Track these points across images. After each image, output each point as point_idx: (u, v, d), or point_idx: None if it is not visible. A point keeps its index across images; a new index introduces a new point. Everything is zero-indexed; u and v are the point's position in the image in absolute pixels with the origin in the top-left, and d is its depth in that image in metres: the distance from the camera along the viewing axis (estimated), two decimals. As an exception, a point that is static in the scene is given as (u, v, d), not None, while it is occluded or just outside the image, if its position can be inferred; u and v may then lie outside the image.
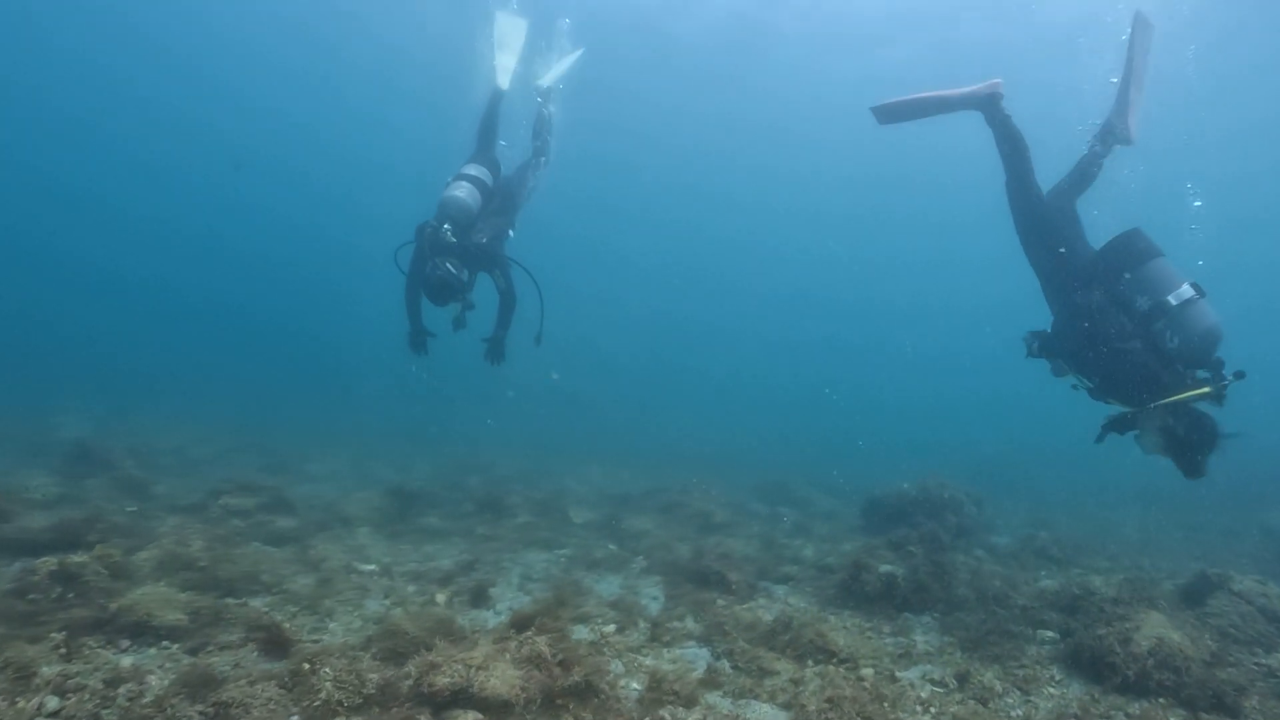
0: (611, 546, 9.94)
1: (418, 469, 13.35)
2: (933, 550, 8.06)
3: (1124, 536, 10.68)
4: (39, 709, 4.28)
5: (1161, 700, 5.55)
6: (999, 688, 5.77)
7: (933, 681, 5.87)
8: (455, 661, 5.17)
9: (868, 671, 5.93)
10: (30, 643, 5.11)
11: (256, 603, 6.88)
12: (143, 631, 5.64)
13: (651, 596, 7.91)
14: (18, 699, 4.37)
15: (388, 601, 7.33)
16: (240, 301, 46.05)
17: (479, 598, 7.47)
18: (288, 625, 6.40)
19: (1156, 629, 5.88)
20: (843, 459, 18.37)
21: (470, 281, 8.33)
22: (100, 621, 5.59)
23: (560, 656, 5.29)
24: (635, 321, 52.11)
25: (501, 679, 5.02)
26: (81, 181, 42.43)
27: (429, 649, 5.41)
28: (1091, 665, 5.95)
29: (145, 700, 4.51)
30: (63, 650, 5.08)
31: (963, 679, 5.85)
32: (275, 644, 5.70)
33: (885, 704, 5.27)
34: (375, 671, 5.24)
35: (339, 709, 4.70)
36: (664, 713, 5.11)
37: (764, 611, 7.42)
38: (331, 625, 6.63)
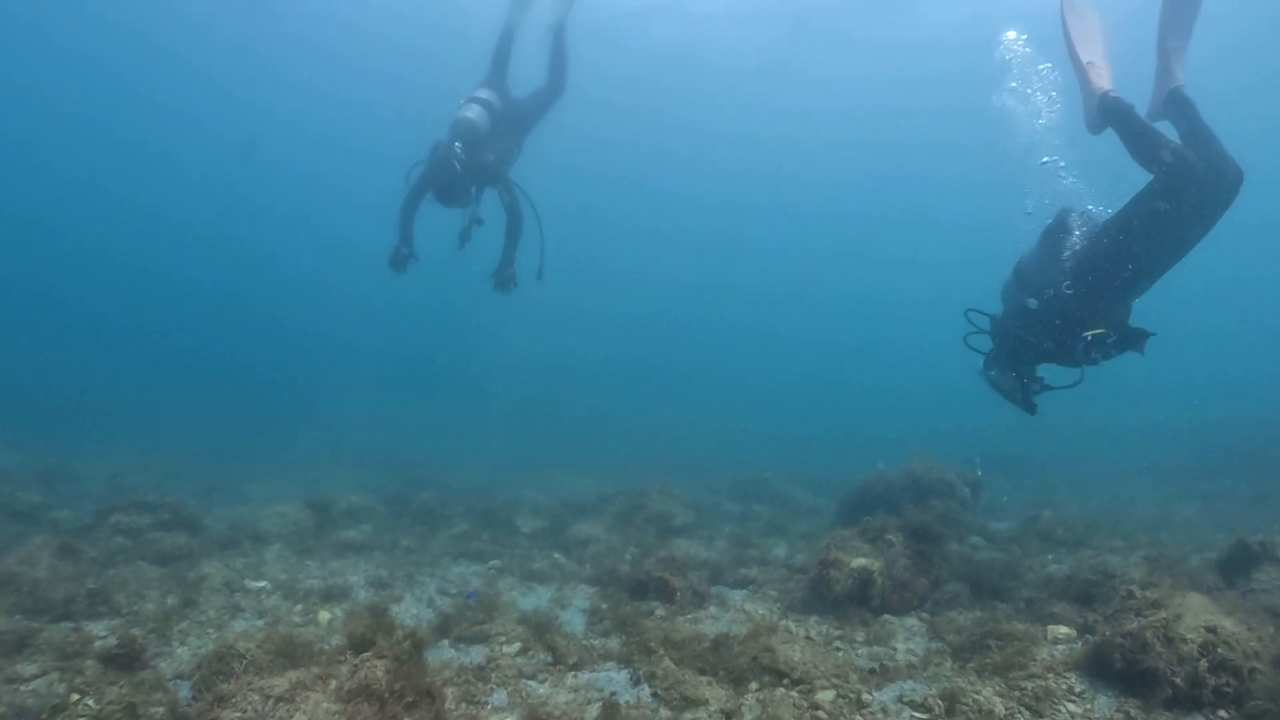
0: (556, 555, 8.39)
1: (367, 486, 11.84)
2: (916, 538, 6.44)
3: (1137, 512, 8.99)
4: None
5: (1223, 715, 3.94)
6: (1001, 709, 4.14)
7: (913, 705, 4.26)
8: (251, 691, 3.67)
9: (825, 696, 4.33)
10: None
11: (95, 626, 5.49)
12: None
13: (579, 609, 6.35)
14: None
15: (260, 622, 5.86)
16: (204, 334, 44.68)
17: (375, 617, 5.96)
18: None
19: (1203, 616, 4.25)
20: (832, 453, 16.80)
21: (478, 194, 8.41)
22: None
23: (403, 687, 3.77)
24: (617, 325, 50.59)
25: (310, 716, 3.50)
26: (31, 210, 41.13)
27: (237, 668, 3.97)
28: (1124, 672, 4.32)
29: None
30: None
31: (952, 700, 4.24)
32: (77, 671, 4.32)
33: (846, 740, 3.70)
34: (166, 704, 3.78)
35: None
36: (538, 763, 3.56)
37: (710, 623, 5.83)
38: (179, 650, 5.23)
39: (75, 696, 3.63)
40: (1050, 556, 7.45)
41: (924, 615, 5.97)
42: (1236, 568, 6.03)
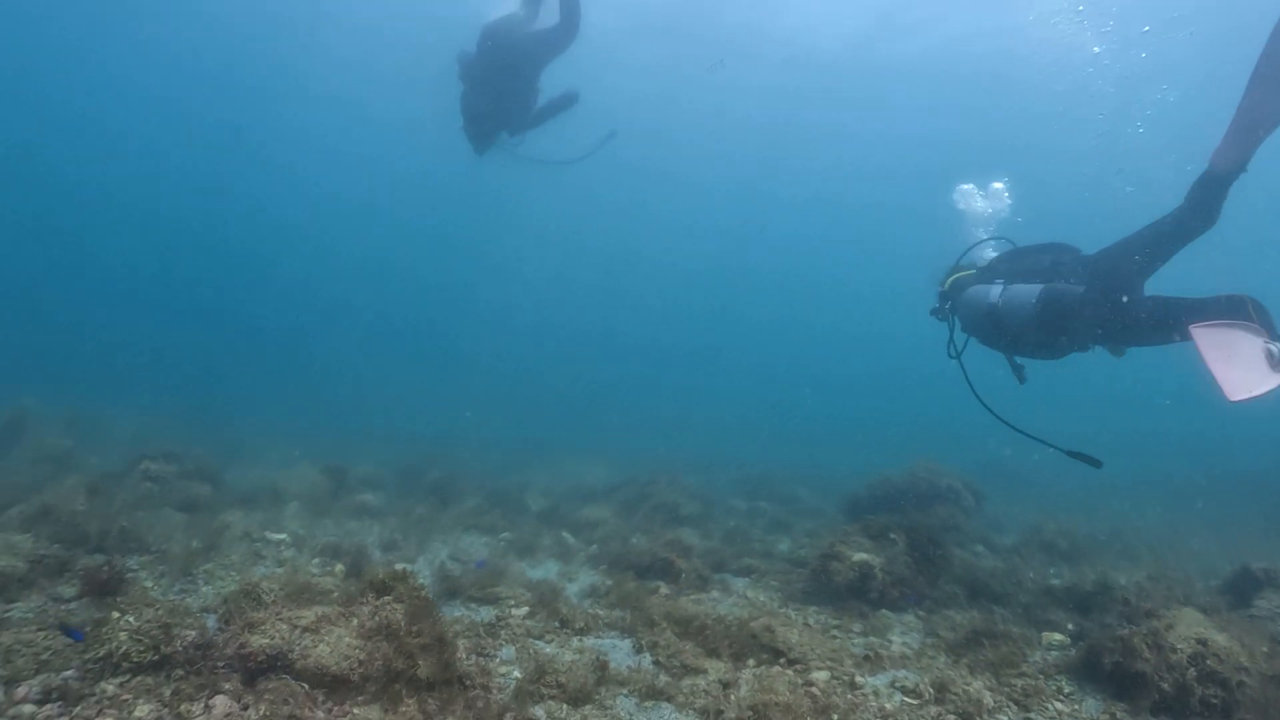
0: (565, 534, 8.59)
1: (383, 458, 12.09)
2: (918, 539, 6.57)
3: (1144, 532, 9.03)
4: None
5: (1207, 723, 4.06)
6: (989, 701, 4.30)
7: (904, 690, 4.42)
8: (279, 621, 3.89)
9: (820, 676, 4.49)
10: None
11: (127, 560, 5.77)
12: None
13: (586, 583, 6.54)
14: None
15: (280, 570, 6.11)
16: (242, 301, 45.24)
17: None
18: (151, 585, 5.29)
19: (1195, 629, 4.37)
20: (842, 451, 16.85)
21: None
22: None
23: (420, 631, 3.98)
24: (641, 311, 50.61)
25: (333, 648, 3.71)
26: (91, 178, 41.84)
27: (262, 608, 4.19)
28: (1113, 676, 4.45)
29: None
30: None
31: (942, 689, 4.39)
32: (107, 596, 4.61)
33: (833, 716, 3.86)
34: (196, 629, 4.01)
35: (123, 663, 3.49)
36: (539, 710, 3.75)
37: (712, 604, 6.00)
38: (204, 588, 5.48)
39: (116, 614, 3.87)
40: (1051, 570, 7.55)
41: (921, 612, 6.10)
42: (1239, 592, 6.09)
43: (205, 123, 36.46)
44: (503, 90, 8.73)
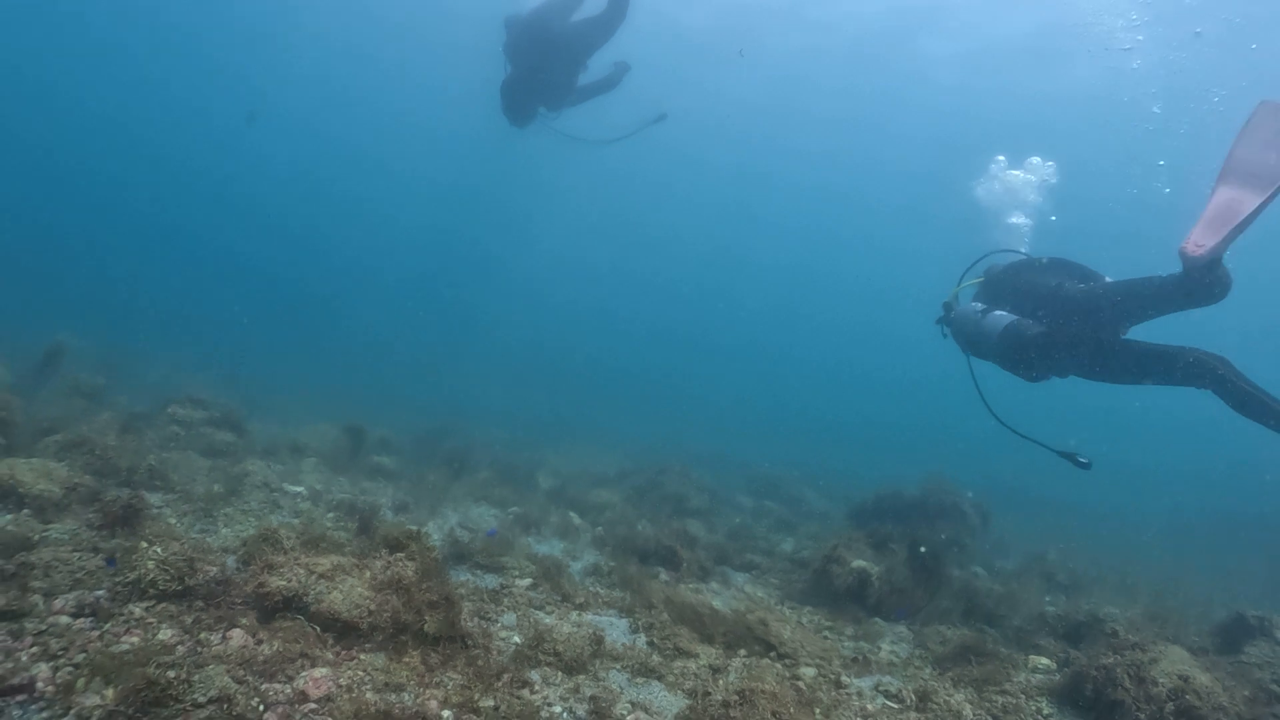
0: (572, 514, 8.79)
1: (402, 424, 12.38)
2: (919, 552, 6.68)
3: (1148, 569, 9.04)
4: None
5: (1181, 760, 4.16)
6: (969, 714, 4.42)
7: (887, 694, 4.57)
8: (297, 565, 4.12)
9: (808, 671, 4.66)
10: None
11: (153, 497, 6.03)
12: (10, 496, 4.89)
13: (589, 562, 6.74)
14: None
15: (296, 520, 6.36)
16: (279, 262, 45.94)
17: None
18: (175, 522, 5.56)
19: (1179, 666, 4.46)
20: (856, 455, 16.89)
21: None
22: None
23: (429, 589, 4.19)
24: (668, 295, 50.66)
25: (346, 596, 3.93)
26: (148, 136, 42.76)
27: (281, 551, 4.43)
28: (1093, 702, 4.56)
29: None
30: None
31: (925, 697, 4.53)
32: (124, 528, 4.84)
33: (816, 710, 4.02)
34: (217, 566, 4.25)
35: (149, 590, 3.73)
36: (535, 674, 3.95)
37: (711, 595, 6.18)
38: (223, 530, 5.73)
39: (145, 544, 4.12)
40: (1048, 598, 7.63)
41: (914, 624, 6.23)
42: (1230, 637, 6.12)
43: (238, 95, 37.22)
44: (543, 67, 8.82)
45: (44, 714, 2.53)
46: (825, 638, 5.55)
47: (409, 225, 48.59)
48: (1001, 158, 9.31)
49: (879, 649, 5.51)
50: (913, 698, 4.51)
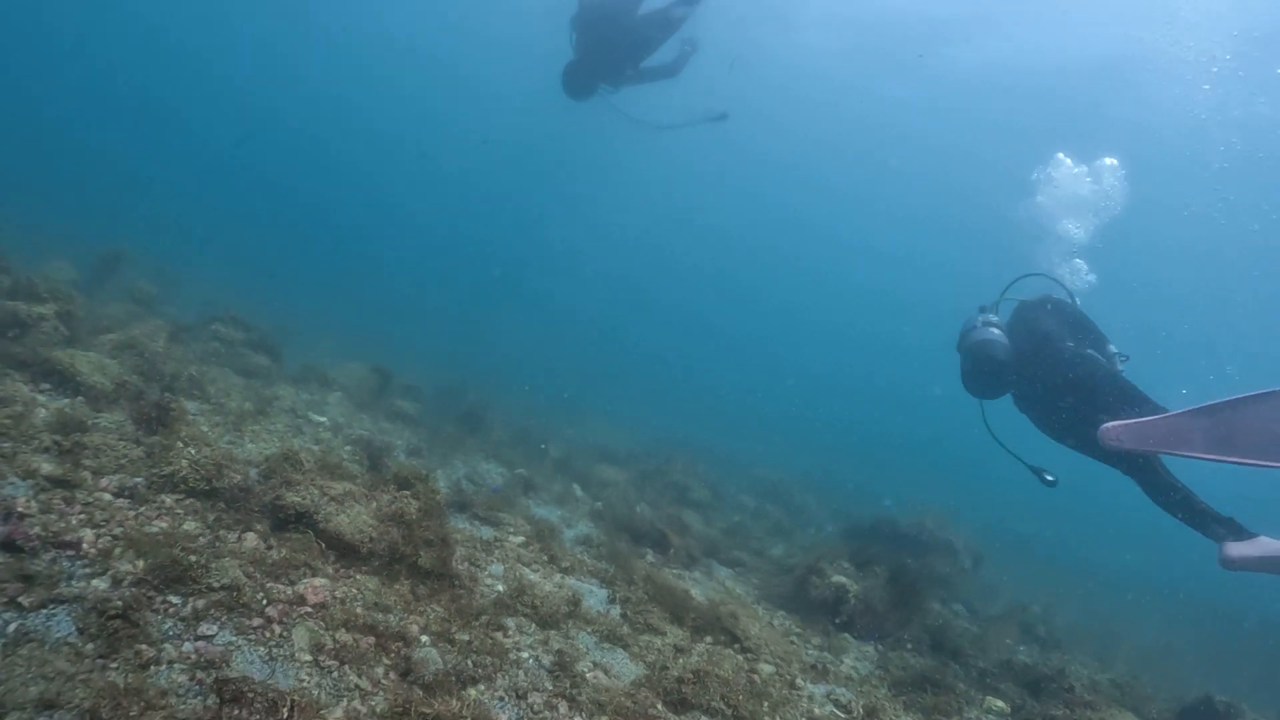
0: (575, 486, 9.17)
1: (427, 376, 12.88)
2: (901, 580, 6.92)
3: (1132, 639, 9.12)
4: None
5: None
6: (912, 734, 4.71)
7: (837, 704, 4.85)
8: (312, 485, 4.54)
9: (766, 668, 4.96)
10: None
11: (190, 404, 6.53)
12: (68, 382, 5.36)
13: (582, 532, 7.11)
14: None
15: (316, 448, 6.82)
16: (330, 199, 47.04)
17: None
18: (207, 430, 6.03)
19: (1125, 729, 4.68)
20: (866, 470, 17.04)
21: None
22: (33, 362, 5.31)
23: (427, 528, 4.58)
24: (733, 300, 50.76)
25: (352, 520, 4.33)
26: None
27: (300, 472, 4.85)
28: (1033, 747, 4.80)
29: (22, 423, 4.11)
30: None
31: (872, 713, 4.80)
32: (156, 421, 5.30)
33: (763, 702, 4.32)
34: (241, 475, 4.68)
35: (181, 485, 4.17)
36: (511, 621, 4.32)
37: (691, 583, 6.50)
38: (248, 445, 6.18)
39: (180, 444, 4.57)
40: (1021, 648, 7.79)
41: (881, 646, 6.48)
42: (1193, 718, 6.28)
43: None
44: (608, 43, 8.93)
45: (87, 570, 2.96)
46: (791, 642, 5.84)
47: (471, 186, 49.30)
48: (1063, 155, 9.20)
49: (841, 662, 5.78)
50: (860, 711, 4.79)
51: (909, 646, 6.48)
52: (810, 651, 5.81)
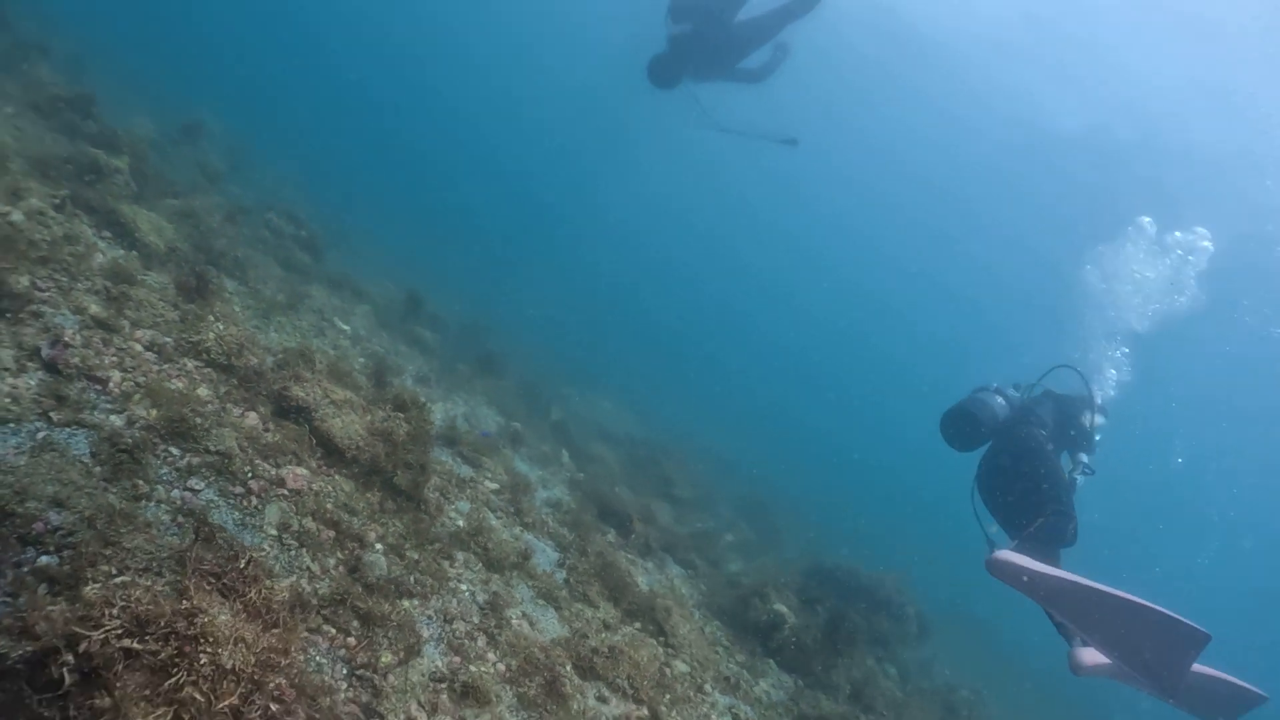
0: (564, 452, 9.61)
1: (455, 310, 13.38)
2: (841, 626, 7.24)
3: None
4: (5, 215, 4.45)
5: None
6: (799, 762, 5.07)
7: (735, 717, 5.24)
8: (318, 386, 5.02)
9: (681, 666, 5.36)
10: (40, 181, 5.39)
11: (229, 283, 7.05)
12: (127, 236, 5.87)
13: (554, 496, 7.54)
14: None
15: (333, 352, 7.32)
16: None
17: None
18: (239, 310, 6.53)
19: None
20: (864, 515, 17.23)
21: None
22: (101, 210, 5.83)
23: (411, 451, 5.03)
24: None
25: (344, 426, 4.80)
26: None
27: (311, 371, 5.33)
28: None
29: (81, 263, 4.62)
30: (58, 202, 5.25)
31: (770, 733, 5.19)
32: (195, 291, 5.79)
33: (665, 693, 4.72)
34: (258, 359, 5.17)
35: (203, 354, 4.66)
36: (461, 555, 4.76)
37: (641, 571, 6.91)
38: (272, 334, 6.68)
39: (211, 318, 5.07)
40: (942, 725, 8.10)
41: (802, 683, 6.83)
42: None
43: None
44: (702, 37, 8.99)
45: (108, 405, 3.44)
46: (716, 651, 6.22)
47: (547, 139, 49.54)
48: (1148, 220, 8.75)
49: (757, 683, 6.15)
50: (757, 728, 5.17)
51: (827, 690, 6.83)
52: (731, 665, 6.18)
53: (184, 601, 2.02)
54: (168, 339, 4.55)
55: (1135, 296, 9.08)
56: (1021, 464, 5.50)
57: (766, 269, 50.52)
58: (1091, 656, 4.73)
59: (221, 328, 4.98)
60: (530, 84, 47.89)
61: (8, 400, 3.00)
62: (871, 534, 14.64)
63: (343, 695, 2.86)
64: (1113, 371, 9.25)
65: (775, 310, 50.02)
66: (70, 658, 1.75)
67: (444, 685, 3.38)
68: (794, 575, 8.52)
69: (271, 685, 2.12)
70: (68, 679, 1.72)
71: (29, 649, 1.71)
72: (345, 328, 8.44)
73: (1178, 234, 8.97)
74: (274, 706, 2.14)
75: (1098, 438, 6.71)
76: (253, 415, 4.45)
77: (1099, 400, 6.95)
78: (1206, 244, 8.77)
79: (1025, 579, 4.78)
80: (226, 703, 1.95)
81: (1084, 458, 5.80)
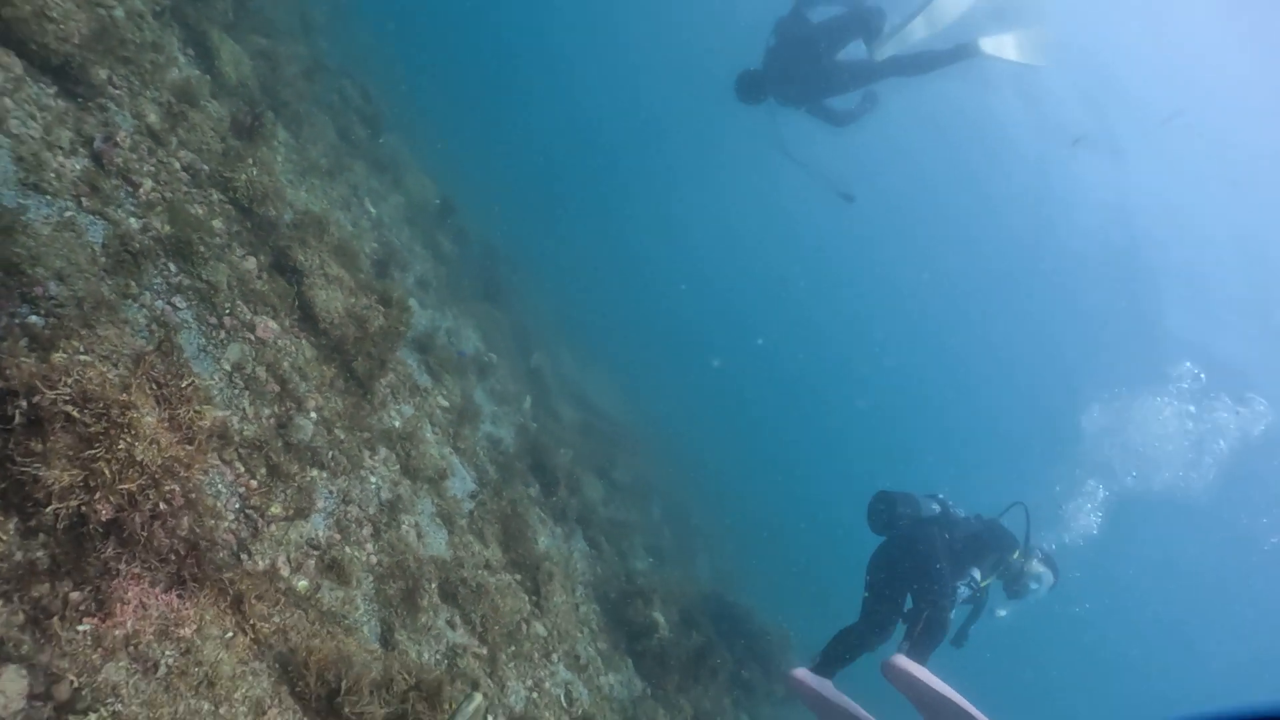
0: (528, 399, 10.11)
1: (490, 228, 13.86)
2: (708, 656, 7.76)
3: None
4: (110, 9, 4.91)
5: None
6: (608, 750, 5.61)
7: (566, 694, 5.72)
8: (319, 256, 5.50)
9: (540, 630, 5.86)
10: None
11: (282, 133, 7.52)
12: (206, 60, 6.36)
13: (496, 433, 8.04)
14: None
15: (351, 229, 7.82)
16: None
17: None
18: (280, 159, 7.02)
19: None
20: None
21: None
22: (194, 28, 6.29)
23: (378, 345, 5.53)
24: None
25: (328, 299, 5.29)
26: None
27: (318, 239, 5.82)
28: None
29: (157, 73, 5.08)
30: (159, 9, 5.73)
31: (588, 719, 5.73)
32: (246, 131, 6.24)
33: (511, 645, 5.24)
34: (277, 212, 5.64)
35: (230, 191, 5.12)
36: (384, 452, 5.27)
37: (546, 533, 7.42)
38: (301, 193, 7.14)
39: (250, 160, 5.55)
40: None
41: (651, 691, 7.35)
42: None
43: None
44: (796, 63, 9.10)
45: (132, 208, 3.94)
46: (580, 631, 6.73)
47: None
48: (1192, 365, 8.05)
49: (605, 674, 6.67)
50: (577, 712, 5.69)
51: (669, 709, 7.35)
52: (589, 649, 6.70)
53: (124, 394, 2.51)
54: (205, 166, 5.05)
55: (1140, 457, 8.80)
56: (907, 559, 6.00)
57: (795, 307, 50.04)
58: (810, 679, 5.75)
59: (255, 173, 5.45)
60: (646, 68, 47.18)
61: (53, 175, 3.50)
62: (783, 586, 15.13)
63: (226, 524, 3.37)
64: (1083, 523, 9.46)
65: (797, 350, 49.68)
66: (25, 404, 2.25)
67: (316, 553, 3.89)
68: (691, 595, 9.03)
69: (167, 488, 2.62)
70: (18, 419, 2.22)
71: (-3, 384, 2.21)
72: (372, 210, 8.93)
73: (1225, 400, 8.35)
74: (163, 505, 2.64)
75: (1033, 585, 7.19)
76: (252, 260, 4.95)
77: (1041, 553, 7.40)
78: (1263, 421, 8.28)
79: (916, 689, 5.38)
80: (126, 486, 2.45)
81: (976, 573, 6.27)
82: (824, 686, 5.77)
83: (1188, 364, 8.97)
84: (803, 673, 5.86)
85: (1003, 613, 7.38)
